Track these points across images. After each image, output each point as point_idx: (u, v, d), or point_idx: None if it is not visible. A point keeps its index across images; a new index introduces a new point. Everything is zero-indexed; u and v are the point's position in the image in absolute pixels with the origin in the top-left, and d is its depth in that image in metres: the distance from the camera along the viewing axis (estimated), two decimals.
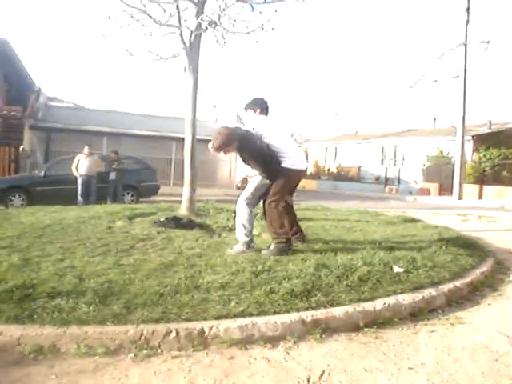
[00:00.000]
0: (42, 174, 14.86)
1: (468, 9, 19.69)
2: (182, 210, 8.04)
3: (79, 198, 13.52)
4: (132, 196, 15.61)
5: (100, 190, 13.94)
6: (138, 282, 3.99)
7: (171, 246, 5.59)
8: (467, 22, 19.71)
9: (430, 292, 4.20)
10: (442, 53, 20.12)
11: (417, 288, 4.22)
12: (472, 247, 6.15)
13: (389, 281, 4.28)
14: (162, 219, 6.98)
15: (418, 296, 4.07)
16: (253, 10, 7.62)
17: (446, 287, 4.39)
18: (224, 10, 7.51)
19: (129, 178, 15.27)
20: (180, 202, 8.44)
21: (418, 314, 3.92)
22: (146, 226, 6.83)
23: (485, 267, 5.33)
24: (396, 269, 4.59)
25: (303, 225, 6.36)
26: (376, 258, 4.87)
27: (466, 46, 19.59)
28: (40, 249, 5.27)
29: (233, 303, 3.54)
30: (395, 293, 4.04)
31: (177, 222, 6.78)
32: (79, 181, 13.66)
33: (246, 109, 5.69)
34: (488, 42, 18.82)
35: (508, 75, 63.47)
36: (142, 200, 15.31)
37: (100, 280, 3.97)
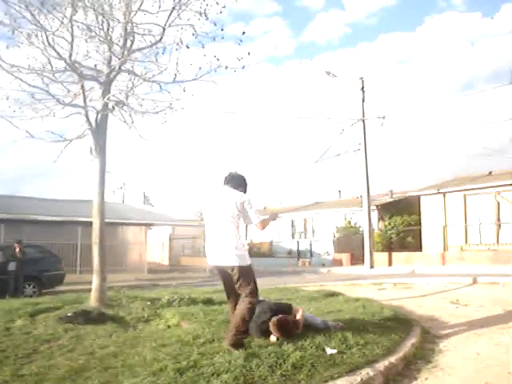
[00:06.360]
0: None
1: (363, 88, 21.22)
2: (92, 302, 7.38)
3: None
4: (34, 288, 14.21)
5: None
6: None
7: (81, 345, 5.06)
8: (363, 99, 21.19)
9: (367, 372, 4.00)
10: (343, 128, 21.34)
11: (353, 370, 4.01)
12: (397, 318, 6.12)
13: (324, 364, 4.03)
14: (69, 314, 6.41)
15: (356, 379, 3.85)
16: (161, 89, 7.52)
17: (381, 365, 4.23)
18: (132, 89, 7.35)
19: (30, 267, 14.04)
20: (88, 290, 7.81)
21: None
22: (50, 323, 6.19)
23: (414, 338, 5.27)
24: (329, 351, 4.35)
25: (221, 309, 6.04)
26: (306, 340, 4.60)
27: (364, 121, 20.89)
28: None
29: None
30: (332, 378, 3.80)
31: (86, 317, 6.23)
32: None
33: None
34: (384, 118, 20.25)
35: (404, 146, 68.79)
36: (45, 291, 13.98)
37: None
